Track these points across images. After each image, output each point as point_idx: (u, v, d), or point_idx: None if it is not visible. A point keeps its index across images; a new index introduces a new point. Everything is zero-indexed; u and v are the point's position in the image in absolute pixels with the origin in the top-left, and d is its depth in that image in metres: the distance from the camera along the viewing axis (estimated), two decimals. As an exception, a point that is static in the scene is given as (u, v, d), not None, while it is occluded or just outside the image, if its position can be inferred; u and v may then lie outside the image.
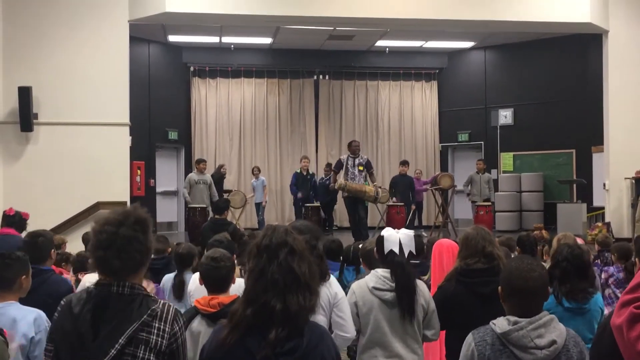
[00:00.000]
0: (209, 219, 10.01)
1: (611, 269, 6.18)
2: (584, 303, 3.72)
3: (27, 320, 3.27)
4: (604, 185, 12.01)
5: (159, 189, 15.26)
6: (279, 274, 2.25)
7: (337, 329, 3.34)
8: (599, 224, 11.75)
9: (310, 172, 14.31)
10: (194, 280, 4.24)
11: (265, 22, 12.08)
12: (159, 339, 2.31)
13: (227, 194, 13.40)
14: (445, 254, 4.34)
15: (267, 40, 15.21)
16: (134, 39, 11.48)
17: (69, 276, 5.33)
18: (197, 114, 15.93)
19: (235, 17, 11.07)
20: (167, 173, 15.60)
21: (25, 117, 10.01)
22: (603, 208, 12.40)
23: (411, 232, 3.73)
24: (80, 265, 5.55)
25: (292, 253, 2.30)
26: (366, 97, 16.75)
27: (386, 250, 3.58)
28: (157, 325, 2.31)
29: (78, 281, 5.11)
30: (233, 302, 3.02)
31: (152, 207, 13.90)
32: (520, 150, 15.74)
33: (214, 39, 14.94)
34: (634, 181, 11.51)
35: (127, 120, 10.60)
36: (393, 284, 3.50)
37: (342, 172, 11.34)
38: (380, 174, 15.29)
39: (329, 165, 14.37)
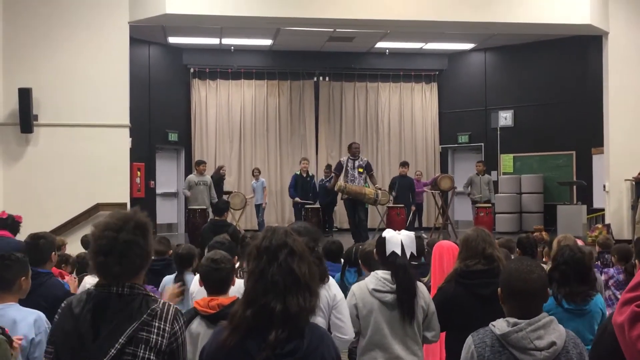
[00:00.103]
0: (208, 220, 9.99)
1: (611, 271, 6.17)
2: (583, 305, 3.71)
3: (27, 322, 3.26)
4: (604, 186, 12.01)
5: (159, 191, 15.24)
6: (279, 275, 2.24)
7: (336, 331, 3.33)
8: (599, 225, 11.73)
9: (310, 173, 14.27)
10: (195, 282, 4.24)
11: (265, 24, 12.06)
12: (159, 338, 2.30)
13: (227, 196, 13.39)
14: (446, 255, 4.34)
15: (267, 42, 15.20)
16: (134, 41, 11.49)
17: (70, 277, 5.32)
18: (197, 115, 15.91)
19: (235, 18, 11.07)
20: (167, 174, 15.58)
21: (26, 118, 10.01)
22: (603, 210, 12.39)
23: (412, 234, 3.73)
24: (81, 267, 5.54)
25: (292, 254, 2.29)
26: (366, 98, 16.74)
27: (388, 252, 3.57)
28: (157, 324, 2.31)
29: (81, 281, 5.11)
30: (233, 303, 3.01)
31: (152, 209, 13.90)
32: (520, 151, 15.73)
33: (214, 41, 14.94)
34: (634, 183, 11.50)
35: (127, 121, 10.61)
36: (393, 286, 3.49)
37: (342, 174, 11.33)
38: (380, 176, 15.26)
39: (328, 166, 14.36)
